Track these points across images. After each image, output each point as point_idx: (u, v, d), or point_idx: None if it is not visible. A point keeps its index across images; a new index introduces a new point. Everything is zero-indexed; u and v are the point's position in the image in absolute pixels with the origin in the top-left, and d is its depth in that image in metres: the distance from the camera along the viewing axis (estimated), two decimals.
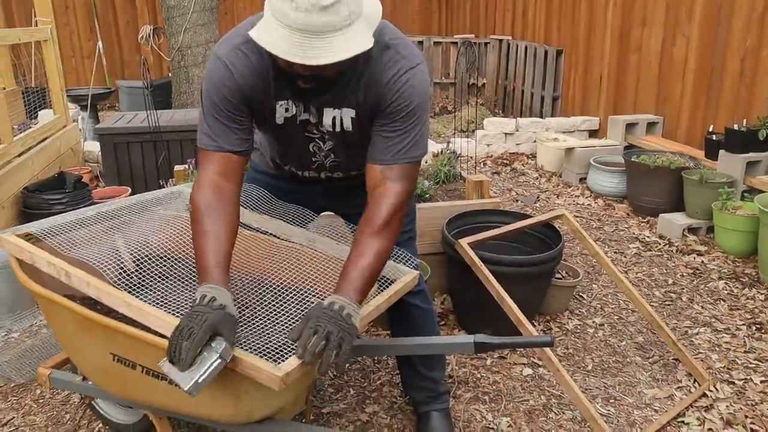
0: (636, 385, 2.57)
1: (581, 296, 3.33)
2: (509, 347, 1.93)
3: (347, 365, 2.62)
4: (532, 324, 2.98)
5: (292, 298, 1.77)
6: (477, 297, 2.66)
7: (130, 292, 1.73)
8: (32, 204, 3.73)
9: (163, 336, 1.48)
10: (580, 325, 3.05)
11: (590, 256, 3.80)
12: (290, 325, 1.63)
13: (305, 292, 1.82)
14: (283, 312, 1.70)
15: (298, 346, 1.40)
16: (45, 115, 5.28)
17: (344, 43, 1.41)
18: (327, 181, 1.98)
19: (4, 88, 7.38)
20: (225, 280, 1.51)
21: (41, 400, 2.45)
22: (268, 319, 1.65)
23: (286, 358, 1.42)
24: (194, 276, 1.73)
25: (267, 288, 1.82)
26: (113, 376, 1.71)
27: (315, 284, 1.84)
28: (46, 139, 4.72)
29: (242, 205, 2.12)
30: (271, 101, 1.69)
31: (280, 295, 1.79)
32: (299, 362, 1.39)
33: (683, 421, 2.34)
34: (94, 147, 5.30)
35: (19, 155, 4.14)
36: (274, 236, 2.04)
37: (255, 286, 1.83)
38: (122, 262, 1.92)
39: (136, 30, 8.36)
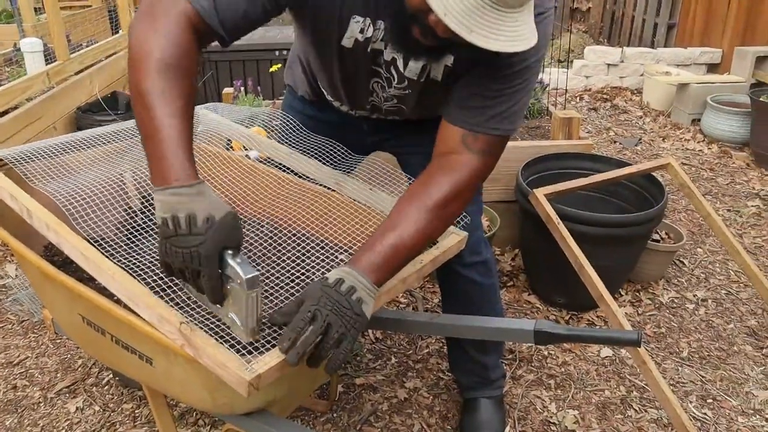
0: (743, 384, 2.07)
1: (682, 262, 2.80)
2: (580, 341, 1.53)
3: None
4: (619, 293, 2.51)
5: (297, 253, 1.41)
6: (553, 259, 2.21)
7: (128, 238, 1.44)
8: (84, 125, 3.55)
9: (128, 308, 1.16)
10: (677, 298, 2.54)
11: (697, 213, 3.21)
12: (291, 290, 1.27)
13: (319, 246, 1.45)
14: (282, 271, 1.35)
15: (284, 337, 1.03)
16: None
17: (529, 22, 1.04)
18: (380, 120, 1.59)
19: (90, 6, 7.30)
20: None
21: (59, 341, 2.26)
22: (276, 281, 1.30)
23: (264, 351, 1.07)
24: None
25: (273, 238, 1.47)
26: (87, 338, 1.43)
27: (332, 237, 1.47)
28: (110, 56, 4.53)
29: (272, 137, 1.76)
30: (341, 10, 1.23)
31: (283, 249, 1.43)
32: (278, 361, 1.04)
33: None
34: None
35: (77, 73, 3.96)
36: (298, 175, 1.66)
37: (257, 234, 1.49)
38: (122, 197, 1.62)
39: None
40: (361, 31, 1.24)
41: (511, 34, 1.01)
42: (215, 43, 1.22)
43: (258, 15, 1.18)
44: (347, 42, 1.27)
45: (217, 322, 1.14)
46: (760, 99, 3.87)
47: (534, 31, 1.06)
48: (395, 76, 1.36)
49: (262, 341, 1.10)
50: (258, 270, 1.01)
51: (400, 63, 1.32)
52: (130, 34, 1.11)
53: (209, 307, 1.11)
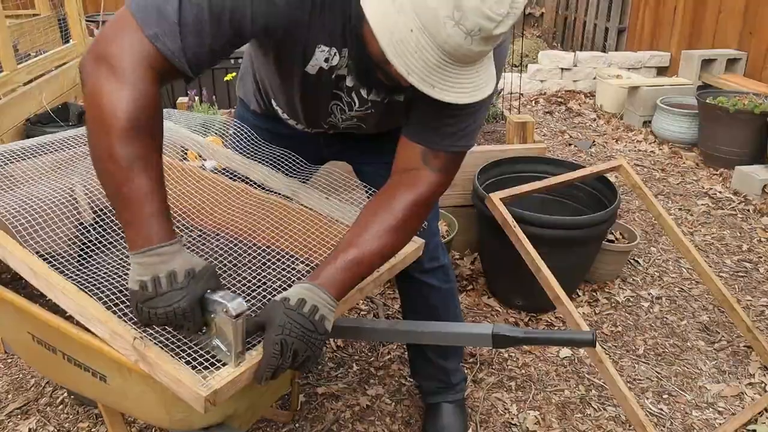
0: (697, 378, 2.13)
1: (636, 261, 2.86)
2: (536, 343, 1.54)
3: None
4: (576, 294, 2.55)
5: (255, 264, 1.40)
6: (510, 262, 2.23)
7: (83, 251, 1.41)
8: (34, 137, 3.45)
9: (80, 324, 1.13)
10: (632, 297, 2.60)
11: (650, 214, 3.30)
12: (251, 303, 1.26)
13: (277, 257, 1.44)
14: (240, 283, 1.33)
15: (260, 371, 1.06)
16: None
17: (486, 72, 1.07)
18: (334, 134, 1.59)
19: (39, 14, 7.11)
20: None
21: (9, 360, 2.18)
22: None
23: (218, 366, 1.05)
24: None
25: (233, 250, 1.45)
26: (38, 357, 1.39)
27: (289, 247, 1.46)
28: (60, 66, 4.42)
29: (228, 146, 1.74)
30: (307, 40, 1.20)
31: (241, 261, 1.41)
32: (234, 375, 1.03)
33: (754, 430, 1.90)
34: None
35: (26, 84, 3.85)
36: (255, 184, 1.65)
37: (216, 246, 1.46)
38: (75, 210, 1.58)
39: None
40: (326, 60, 1.24)
41: (469, 86, 1.04)
42: None
43: (223, 50, 1.14)
44: (311, 69, 1.26)
45: (172, 338, 1.12)
46: (707, 101, 4.00)
47: (493, 74, 1.09)
48: (356, 101, 1.36)
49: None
50: (242, 297, 1.03)
51: (363, 91, 1.32)
52: (86, 81, 1.03)
53: (192, 339, 1.09)
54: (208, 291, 1.02)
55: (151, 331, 1.11)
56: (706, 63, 4.77)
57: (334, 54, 1.23)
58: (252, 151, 1.67)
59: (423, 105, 1.26)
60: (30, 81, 3.91)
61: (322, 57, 1.23)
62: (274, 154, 1.62)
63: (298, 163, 1.61)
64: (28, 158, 1.58)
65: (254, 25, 1.11)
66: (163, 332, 1.12)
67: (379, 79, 1.16)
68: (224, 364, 1.05)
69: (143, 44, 1.03)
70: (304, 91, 1.36)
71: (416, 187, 1.26)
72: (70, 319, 1.17)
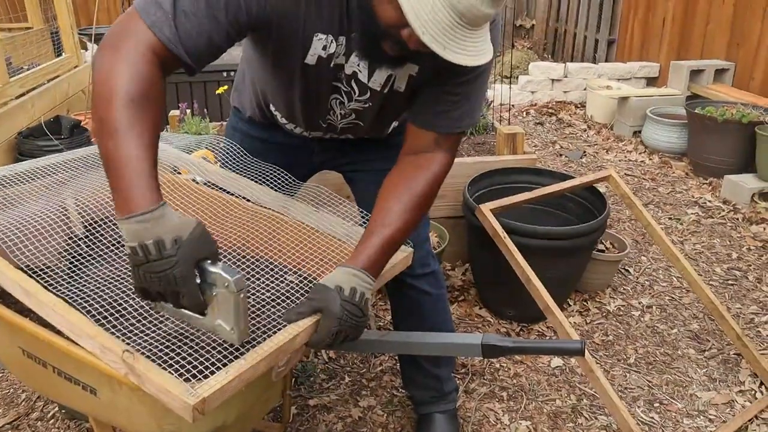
0: (687, 386, 2.14)
1: (627, 270, 2.88)
2: (526, 353, 1.55)
3: None
4: (567, 304, 2.57)
5: (246, 275, 1.40)
6: (501, 272, 2.24)
7: (74, 264, 1.41)
8: (26, 150, 3.45)
9: (70, 338, 1.14)
10: (623, 306, 2.61)
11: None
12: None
13: (267, 268, 1.44)
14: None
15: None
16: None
17: (487, 37, 1.15)
18: (329, 140, 1.63)
19: (31, 28, 7.11)
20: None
21: (0, 375, 2.18)
22: None
23: (211, 373, 1.06)
24: None
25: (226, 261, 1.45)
26: (29, 371, 1.39)
27: (280, 258, 1.46)
28: (53, 79, 4.43)
29: (219, 160, 1.76)
30: (304, 30, 1.25)
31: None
32: (223, 383, 1.03)
33: None
34: None
35: (18, 97, 3.85)
36: (244, 198, 1.66)
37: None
38: (68, 225, 1.59)
39: None
40: (324, 48, 1.29)
41: (474, 50, 1.11)
42: None
43: (222, 42, 1.19)
44: (311, 59, 1.31)
45: (163, 348, 1.12)
46: (695, 111, 4.04)
47: (490, 43, 1.16)
48: (356, 89, 1.40)
49: (206, 363, 1.09)
50: (241, 272, 1.02)
51: (362, 76, 1.36)
52: (94, 67, 1.10)
53: (190, 322, 1.09)
54: (208, 262, 1.01)
55: (140, 342, 1.12)
56: (695, 73, 4.82)
57: (331, 41, 1.28)
58: (242, 167, 1.69)
59: (428, 91, 1.37)
60: (22, 94, 3.92)
61: (320, 45, 1.29)
62: (262, 169, 1.64)
63: (284, 178, 1.63)
64: (20, 184, 1.58)
65: (249, 14, 1.17)
66: (152, 342, 1.13)
67: (383, 54, 1.21)
68: (225, 359, 1.05)
69: (144, 32, 1.11)
70: (305, 85, 1.40)
71: (430, 167, 1.38)
72: (60, 332, 1.17)
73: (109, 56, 1.09)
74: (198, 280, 1.01)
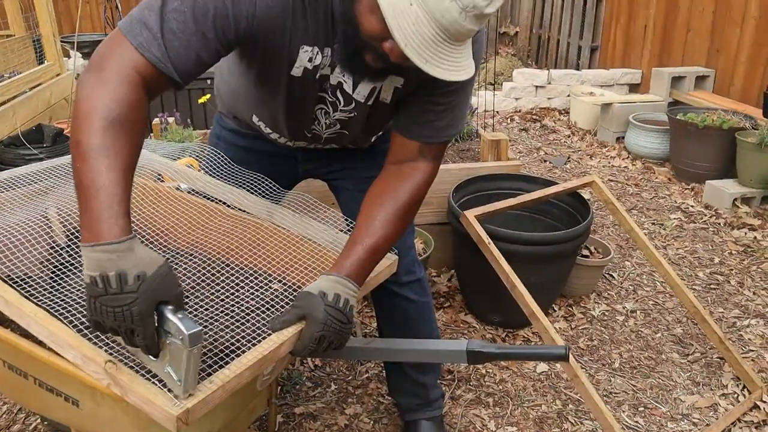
0: (672, 390, 2.16)
1: (611, 275, 2.90)
2: (510, 359, 1.54)
3: None
4: (552, 309, 2.58)
5: (230, 284, 1.40)
6: (486, 278, 2.25)
7: (56, 272, 1.40)
8: (7, 159, 3.40)
9: (52, 349, 1.12)
10: (608, 311, 2.63)
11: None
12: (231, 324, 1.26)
13: (252, 276, 1.44)
14: (215, 303, 1.33)
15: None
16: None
17: (469, 53, 1.15)
18: (314, 149, 1.63)
19: (13, 35, 7.05)
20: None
21: None
22: (208, 313, 1.28)
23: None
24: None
25: (208, 270, 1.45)
26: (9, 383, 1.37)
27: (264, 266, 1.46)
28: (35, 88, 4.39)
29: (203, 168, 1.76)
30: (290, 43, 1.25)
31: (216, 281, 1.41)
32: (207, 394, 1.02)
33: None
34: None
35: (0, 105, 3.82)
36: (227, 205, 1.65)
37: (191, 266, 1.46)
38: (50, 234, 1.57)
39: None
40: (310, 60, 1.29)
41: (456, 65, 1.11)
42: None
43: (210, 58, 1.19)
44: (296, 72, 1.31)
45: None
46: (677, 117, 4.08)
47: (472, 59, 1.17)
48: (341, 99, 1.40)
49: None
50: (201, 326, 0.97)
51: (347, 86, 1.36)
52: (78, 87, 1.09)
53: (141, 359, 1.05)
54: (169, 307, 0.97)
55: (123, 352, 1.11)
56: (676, 80, 4.88)
57: (317, 53, 1.28)
58: (226, 176, 1.68)
59: (413, 102, 1.37)
60: (3, 102, 3.89)
61: (306, 57, 1.29)
62: (248, 178, 1.64)
63: (269, 186, 1.63)
64: (1, 192, 1.57)
65: (237, 29, 1.17)
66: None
67: (367, 66, 1.21)
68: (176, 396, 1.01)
69: (130, 53, 1.10)
70: (290, 97, 1.39)
71: (414, 177, 1.39)
72: (41, 343, 1.16)
73: (92, 78, 1.08)
74: (156, 323, 0.97)
